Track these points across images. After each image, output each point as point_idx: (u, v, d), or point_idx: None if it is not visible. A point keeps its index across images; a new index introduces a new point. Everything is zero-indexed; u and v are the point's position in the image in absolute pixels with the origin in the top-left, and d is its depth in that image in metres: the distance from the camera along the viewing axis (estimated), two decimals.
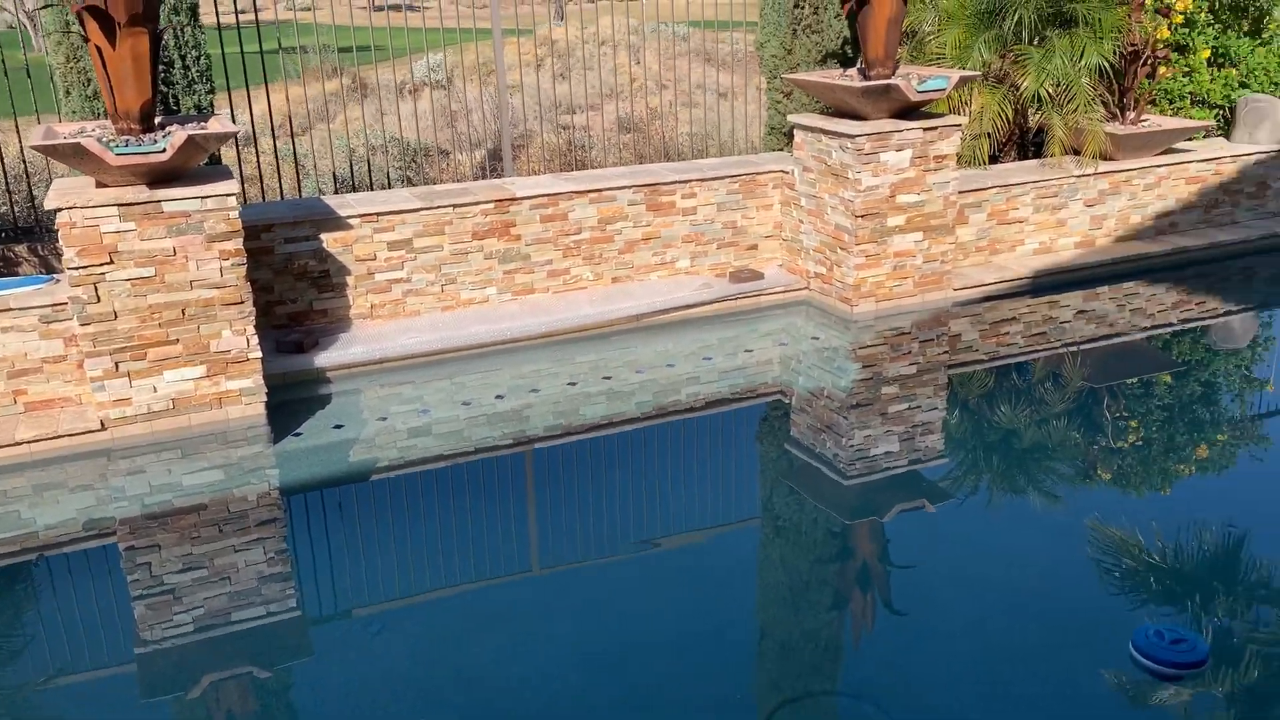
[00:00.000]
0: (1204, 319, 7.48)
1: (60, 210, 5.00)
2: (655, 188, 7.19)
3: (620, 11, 11.02)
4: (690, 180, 7.29)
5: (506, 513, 5.06)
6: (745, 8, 9.63)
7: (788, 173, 7.47)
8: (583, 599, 4.32)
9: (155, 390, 5.37)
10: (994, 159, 8.44)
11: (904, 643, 4.00)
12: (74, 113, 6.21)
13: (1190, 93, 8.93)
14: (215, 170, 5.67)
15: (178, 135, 5.09)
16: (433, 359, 6.40)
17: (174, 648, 4.01)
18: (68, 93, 6.21)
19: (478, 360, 6.47)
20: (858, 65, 7.18)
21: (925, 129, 6.91)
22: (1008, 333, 7.14)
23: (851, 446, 5.58)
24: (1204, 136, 8.88)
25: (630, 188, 7.12)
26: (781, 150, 8.05)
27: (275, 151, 7.65)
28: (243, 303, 5.42)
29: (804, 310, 7.37)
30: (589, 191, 7.01)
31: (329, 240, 6.39)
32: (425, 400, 6.07)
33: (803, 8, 7.81)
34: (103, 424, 5.33)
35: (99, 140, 4.99)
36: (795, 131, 7.37)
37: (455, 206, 6.66)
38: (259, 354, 5.54)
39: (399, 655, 3.95)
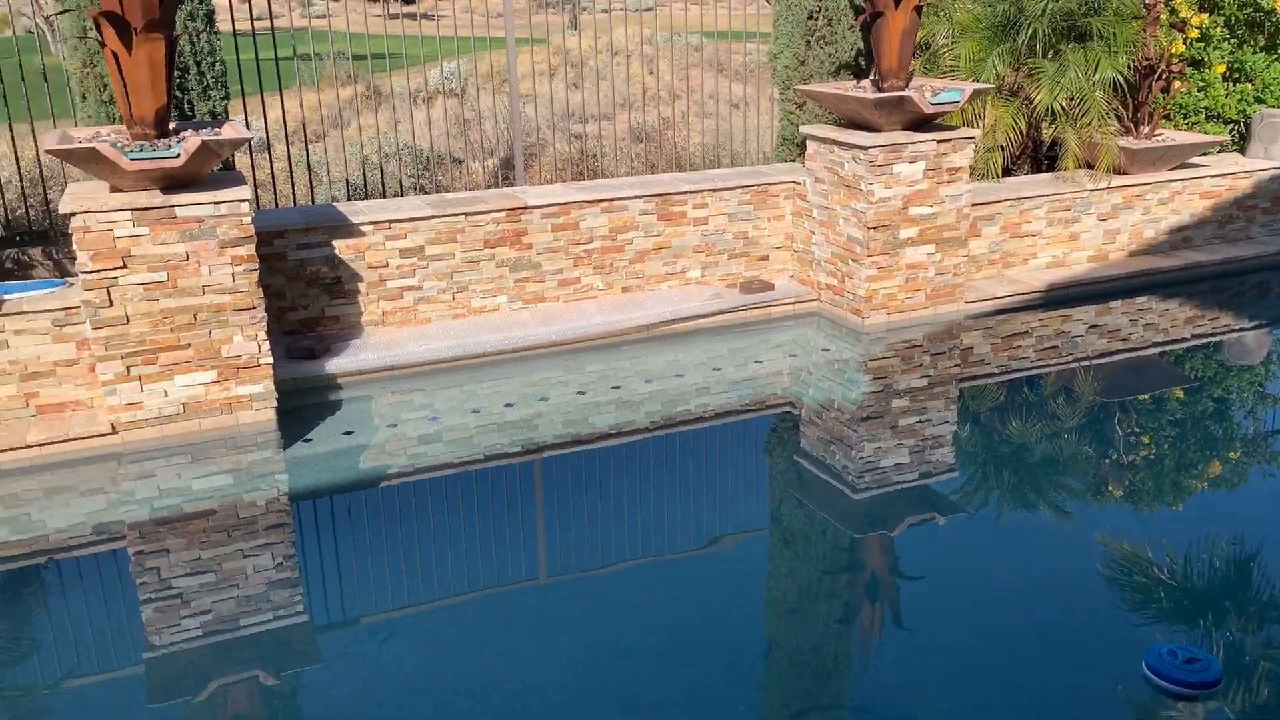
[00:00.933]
0: (1217, 334, 7.44)
1: (74, 214, 5.03)
2: (667, 198, 7.19)
3: (635, 22, 11.04)
4: (702, 190, 7.29)
5: (515, 521, 5.06)
6: (759, 19, 9.64)
7: (800, 184, 7.47)
8: (589, 608, 4.31)
9: (166, 395, 5.39)
10: (1007, 172, 8.42)
11: (911, 657, 3.98)
12: (90, 117, 6.24)
13: (1205, 107, 8.90)
14: (228, 176, 5.69)
15: (191, 141, 5.11)
16: (443, 366, 6.40)
17: (182, 652, 4.01)
18: (84, 97, 6.25)
19: (488, 368, 6.47)
20: (871, 77, 7.18)
21: (939, 141, 6.90)
22: (1019, 346, 7.11)
23: (861, 459, 5.56)
24: (1218, 151, 8.84)
25: (642, 197, 7.12)
26: (794, 161, 8.05)
27: (289, 159, 7.68)
28: (254, 308, 5.43)
29: (815, 322, 7.36)
30: (600, 201, 7.01)
31: (341, 247, 6.40)
32: (435, 407, 6.07)
33: (817, 19, 7.82)
34: (113, 428, 5.34)
35: (114, 145, 5.02)
36: (808, 143, 7.36)
37: (467, 215, 6.68)
38: (270, 359, 5.55)
39: (406, 663, 3.95)
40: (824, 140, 7.16)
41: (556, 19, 15.42)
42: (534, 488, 5.46)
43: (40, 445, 5.26)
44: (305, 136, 7.78)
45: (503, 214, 6.76)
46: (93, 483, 5.23)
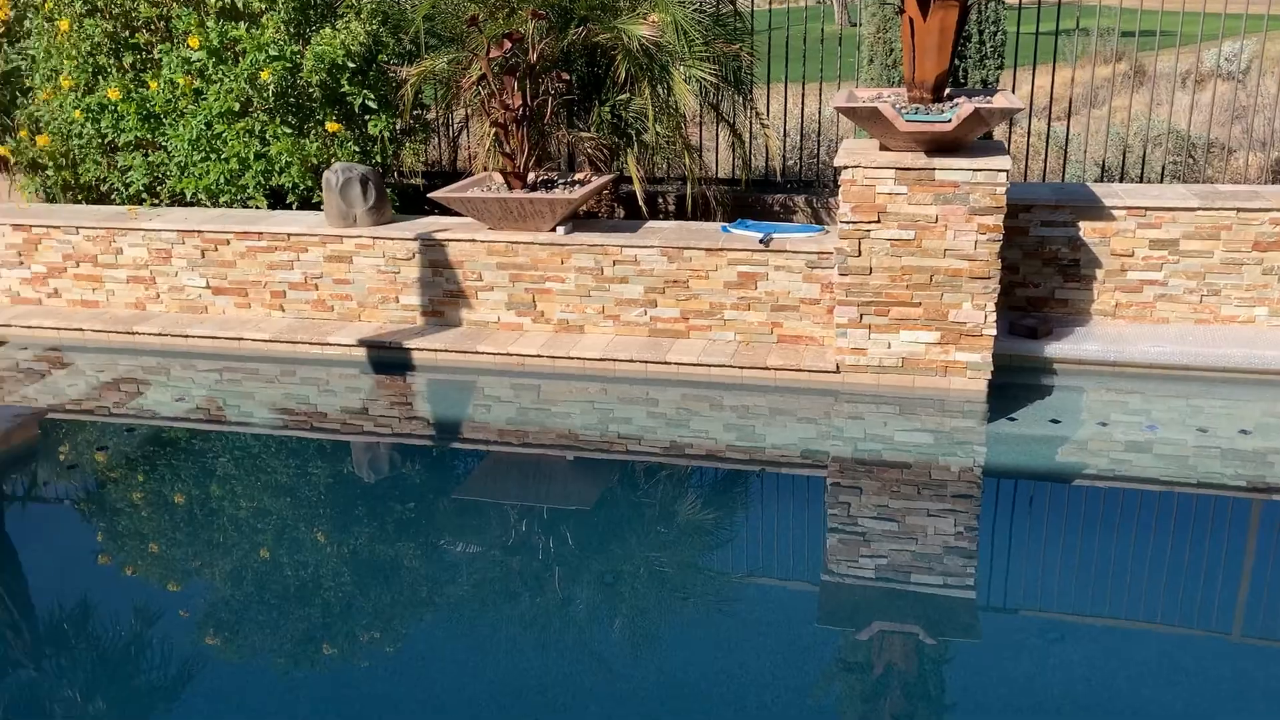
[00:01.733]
0: None
1: (845, 168, 5.47)
2: None
3: None
4: None
5: (1214, 559, 4.46)
6: None
7: None
8: None
9: (889, 346, 5.68)
10: None
11: None
12: (872, 79, 6.73)
13: None
14: (990, 145, 5.73)
15: (964, 107, 5.22)
16: (1173, 373, 5.82)
17: (854, 586, 4.27)
18: (870, 60, 6.75)
19: (1226, 386, 5.73)
20: None
21: None
22: None
23: None
24: None
25: None
26: None
27: (1047, 134, 7.50)
28: (989, 278, 5.44)
29: None
30: None
31: (1086, 229, 6.10)
32: (1153, 416, 5.57)
33: None
34: (838, 367, 5.80)
35: (893, 106, 5.34)
36: None
37: (1240, 211, 5.91)
38: (994, 331, 5.54)
39: (1068, 668, 3.72)
40: None
41: None
42: (1247, 530, 4.75)
43: (776, 369, 5.92)
44: (1070, 110, 7.52)
45: None
46: (810, 412, 5.76)
